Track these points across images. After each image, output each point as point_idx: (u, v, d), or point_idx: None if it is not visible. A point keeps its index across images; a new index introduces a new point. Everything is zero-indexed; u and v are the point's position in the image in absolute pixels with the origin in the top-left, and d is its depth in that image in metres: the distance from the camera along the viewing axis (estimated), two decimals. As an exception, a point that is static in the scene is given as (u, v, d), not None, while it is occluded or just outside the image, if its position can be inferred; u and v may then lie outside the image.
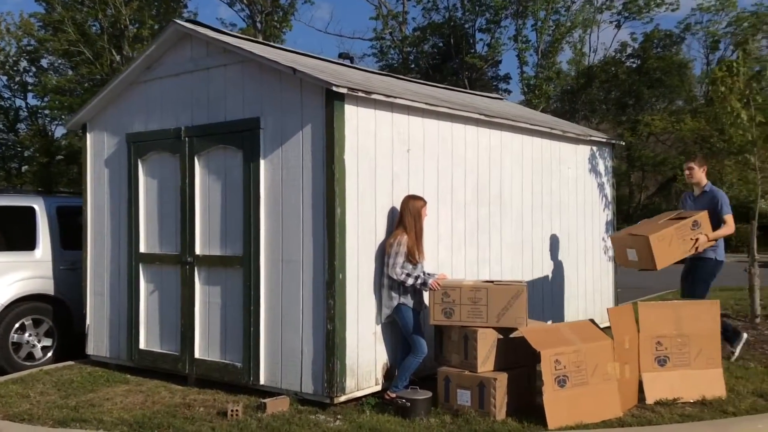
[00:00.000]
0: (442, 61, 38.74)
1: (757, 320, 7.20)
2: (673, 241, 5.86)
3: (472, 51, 36.28)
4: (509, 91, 41.42)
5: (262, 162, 5.35)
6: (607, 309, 5.17)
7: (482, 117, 6.30)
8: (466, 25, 36.77)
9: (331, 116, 4.94)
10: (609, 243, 8.29)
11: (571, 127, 8.01)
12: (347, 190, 5.03)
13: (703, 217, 6.01)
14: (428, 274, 5.35)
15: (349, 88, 4.92)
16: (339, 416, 4.91)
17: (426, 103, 5.67)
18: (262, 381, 5.36)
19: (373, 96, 5.15)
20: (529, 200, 7.07)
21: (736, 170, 9.48)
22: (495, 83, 40.05)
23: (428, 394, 4.96)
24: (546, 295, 7.28)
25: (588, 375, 4.87)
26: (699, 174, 6.40)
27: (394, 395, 5.06)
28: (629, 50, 33.86)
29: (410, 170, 5.64)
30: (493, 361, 5.02)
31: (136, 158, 6.23)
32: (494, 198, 6.59)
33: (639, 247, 5.87)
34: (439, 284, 5.10)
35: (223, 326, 5.64)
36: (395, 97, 5.36)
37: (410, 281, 5.10)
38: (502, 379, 4.90)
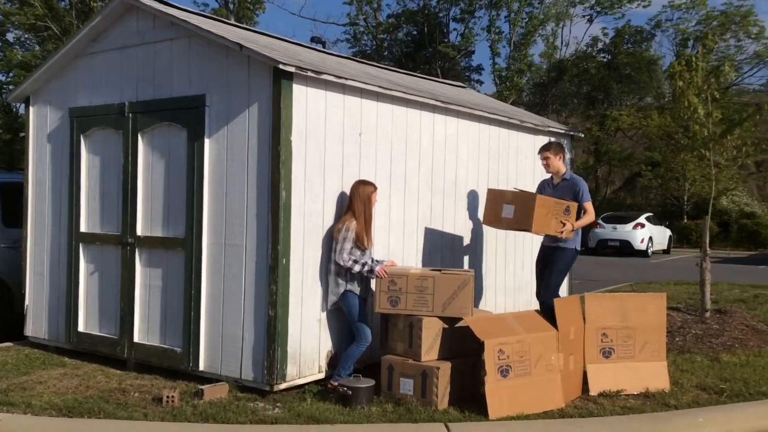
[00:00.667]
0: (416, 50, 38.58)
1: (707, 314, 7.26)
2: (550, 213, 5.69)
3: (446, 40, 36.18)
4: (481, 82, 41.49)
5: (206, 141, 5.17)
6: (554, 300, 5.13)
7: (439, 103, 6.20)
8: (441, 14, 36.65)
9: (278, 96, 4.78)
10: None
11: (529, 117, 7.95)
12: (293, 173, 4.89)
13: (574, 206, 5.89)
14: (376, 261, 5.26)
15: (298, 67, 4.77)
16: (278, 404, 4.80)
17: (380, 87, 5.54)
18: (201, 367, 5.21)
19: (324, 76, 5.00)
20: (485, 189, 6.98)
21: (697, 167, 9.53)
22: (467, 74, 40.04)
23: (371, 383, 4.87)
24: (499, 284, 7.24)
25: (531, 365, 4.83)
26: (556, 162, 6.15)
27: (336, 383, 4.97)
28: (600, 45, 34.16)
29: (362, 155, 5.52)
30: (437, 350, 4.95)
31: (79, 134, 6.00)
32: (449, 186, 6.51)
33: (519, 204, 5.66)
34: (386, 272, 5.00)
35: (163, 310, 5.47)
36: (347, 79, 5.21)
37: (357, 268, 4.99)
38: (446, 368, 4.83)
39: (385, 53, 40.52)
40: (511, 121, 7.23)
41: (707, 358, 6.27)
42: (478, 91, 40.60)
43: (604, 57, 33.94)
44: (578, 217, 5.95)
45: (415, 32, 38.01)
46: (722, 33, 29.83)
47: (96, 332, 5.90)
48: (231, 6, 35.54)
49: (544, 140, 7.90)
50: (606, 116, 31.73)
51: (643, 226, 21.91)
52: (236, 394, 4.97)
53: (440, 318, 4.97)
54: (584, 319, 5.30)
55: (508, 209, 5.71)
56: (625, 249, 21.63)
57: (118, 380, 5.35)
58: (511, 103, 32.27)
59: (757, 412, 4.80)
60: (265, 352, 4.87)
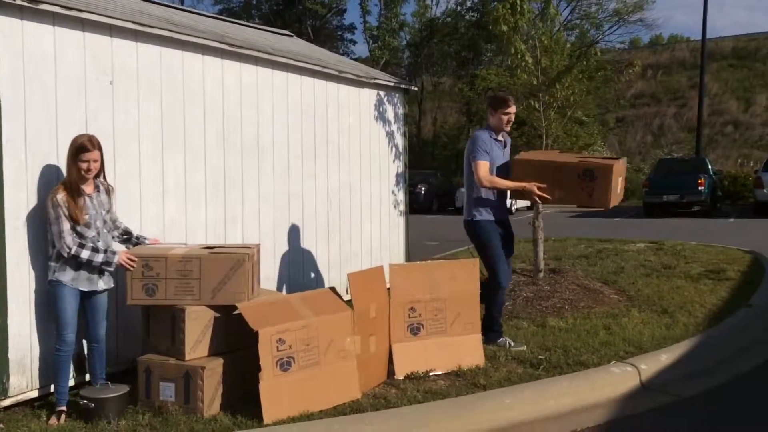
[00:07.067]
0: (285, 7, 36.97)
1: (540, 275, 6.89)
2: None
3: (315, -3, 34.79)
4: (354, 42, 40.53)
5: None
6: (348, 274, 4.40)
7: (225, 47, 5.22)
8: (308, -30, 35.09)
9: (-30, 29, 3.64)
10: (399, 196, 7.65)
11: (351, 68, 7.13)
12: (5, 132, 3.79)
13: None
14: (137, 237, 4.32)
15: (-6, -9, 3.64)
16: (0, 425, 3.78)
17: (136, 23, 4.48)
18: None
19: (44, 6, 3.88)
20: (298, 149, 6.15)
21: (560, 123, 9.06)
22: (340, 33, 38.97)
23: (121, 391, 3.96)
24: (321, 255, 6.47)
25: (320, 354, 4.10)
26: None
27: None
28: (469, 3, 34.03)
29: (116, 108, 4.47)
30: (207, 345, 4.08)
31: None
32: (249, 146, 5.60)
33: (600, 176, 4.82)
34: (132, 259, 4.01)
35: None
36: (81, 11, 4.12)
37: (84, 254, 3.86)
38: (215, 366, 3.99)
39: (253, 11, 38.54)
40: (326, 71, 6.38)
41: (534, 324, 5.85)
42: (352, 53, 39.49)
43: (472, 16, 33.90)
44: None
45: (283, -11, 36.35)
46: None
47: None
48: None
49: (371, 94, 7.14)
50: (476, 76, 31.79)
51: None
52: (-53, 416, 3.89)
53: (211, 306, 4.11)
54: (389, 293, 4.63)
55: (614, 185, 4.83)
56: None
57: None
58: (384, 64, 31.57)
59: (570, 386, 4.34)
60: (-23, 361, 3.81)
